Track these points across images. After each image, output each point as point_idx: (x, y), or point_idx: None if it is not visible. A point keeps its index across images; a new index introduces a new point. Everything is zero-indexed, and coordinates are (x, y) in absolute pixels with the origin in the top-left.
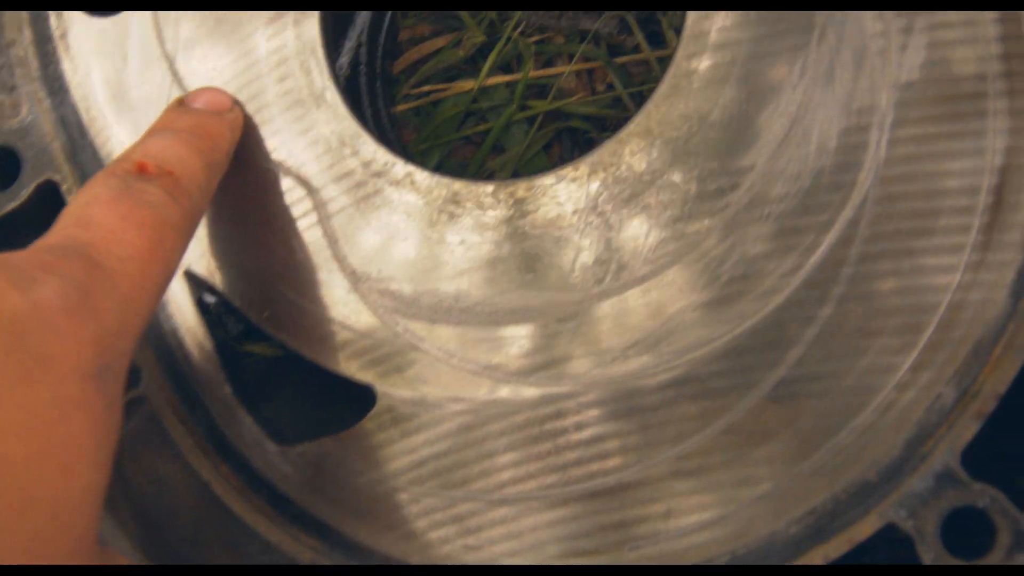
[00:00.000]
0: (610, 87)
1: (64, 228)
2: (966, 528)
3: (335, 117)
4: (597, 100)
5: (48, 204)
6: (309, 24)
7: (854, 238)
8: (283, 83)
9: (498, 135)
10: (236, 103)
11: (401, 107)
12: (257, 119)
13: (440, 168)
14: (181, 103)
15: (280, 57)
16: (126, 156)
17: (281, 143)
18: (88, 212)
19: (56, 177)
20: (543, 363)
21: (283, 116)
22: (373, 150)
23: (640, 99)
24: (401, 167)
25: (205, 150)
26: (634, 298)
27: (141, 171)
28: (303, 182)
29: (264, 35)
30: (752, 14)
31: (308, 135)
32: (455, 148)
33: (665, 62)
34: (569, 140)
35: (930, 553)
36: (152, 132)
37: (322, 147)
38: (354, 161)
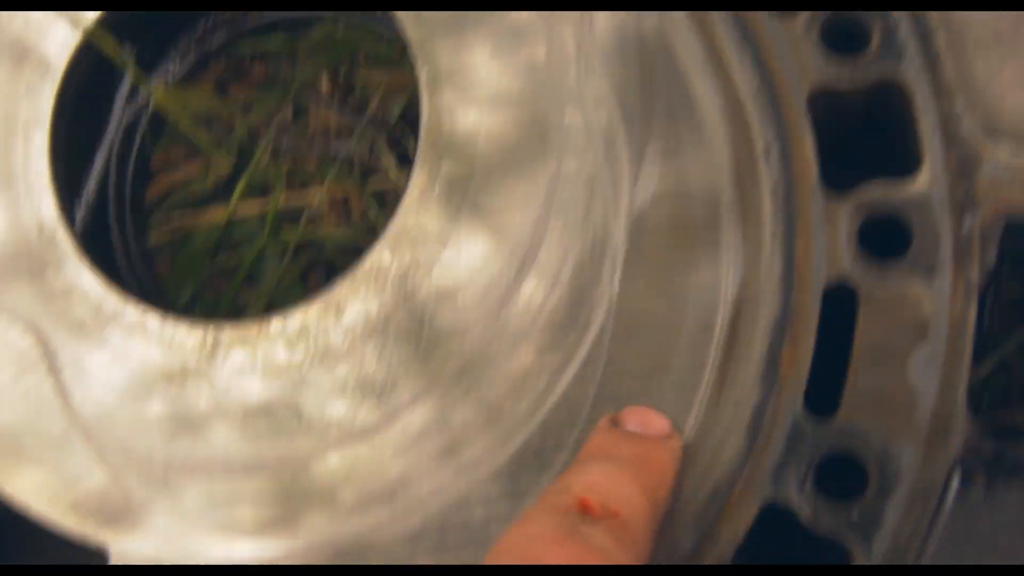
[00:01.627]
0: (365, 214)
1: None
2: None
3: (68, 261)
4: (352, 229)
5: None
6: (36, 159)
7: (591, 377)
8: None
9: (250, 268)
10: (672, 427)
11: (156, 239)
12: None
13: (194, 301)
14: (614, 422)
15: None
16: (566, 487)
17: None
18: (535, 549)
19: None
20: (279, 516)
21: (15, 263)
22: (104, 292)
23: None
24: (132, 312)
25: (650, 487)
26: (374, 444)
27: (584, 509)
28: (31, 325)
29: None
30: (482, 140)
31: (41, 280)
32: (210, 280)
33: None
34: (325, 271)
35: None
36: (590, 458)
37: (52, 289)
38: (83, 306)
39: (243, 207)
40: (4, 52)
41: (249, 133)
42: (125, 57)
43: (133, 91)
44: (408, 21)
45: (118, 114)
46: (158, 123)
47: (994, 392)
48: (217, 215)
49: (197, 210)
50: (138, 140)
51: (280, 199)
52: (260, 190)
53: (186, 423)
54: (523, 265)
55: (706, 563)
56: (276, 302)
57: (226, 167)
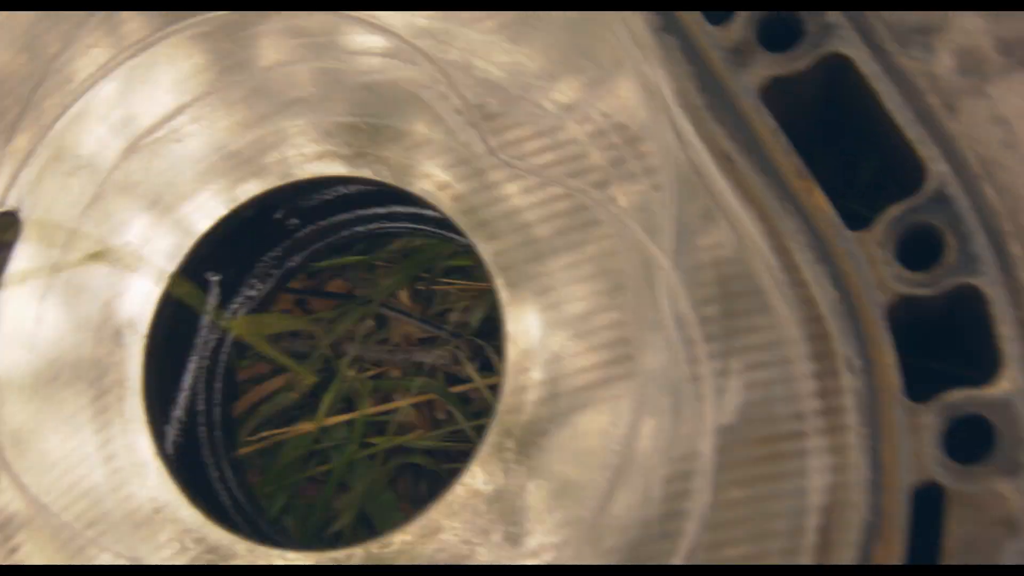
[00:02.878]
0: (449, 416)
1: None
2: None
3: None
4: (437, 434)
5: None
6: (126, 404)
7: None
8: (110, 464)
9: (341, 475)
10: None
11: (244, 450)
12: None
13: (286, 509)
14: None
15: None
16: None
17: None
18: None
19: None
20: None
21: (113, 496)
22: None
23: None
24: (241, 546)
25: None
26: None
27: None
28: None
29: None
30: (568, 363)
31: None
32: (300, 488)
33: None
34: (413, 474)
35: None
36: None
37: (154, 523)
38: (187, 537)
39: (331, 418)
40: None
41: (334, 346)
42: (203, 297)
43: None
44: (482, 247)
45: (203, 335)
46: (241, 342)
47: None
48: (305, 427)
49: (285, 423)
50: (223, 359)
51: (366, 408)
52: (346, 402)
53: None
54: (615, 479)
55: None
56: (368, 508)
57: (310, 380)
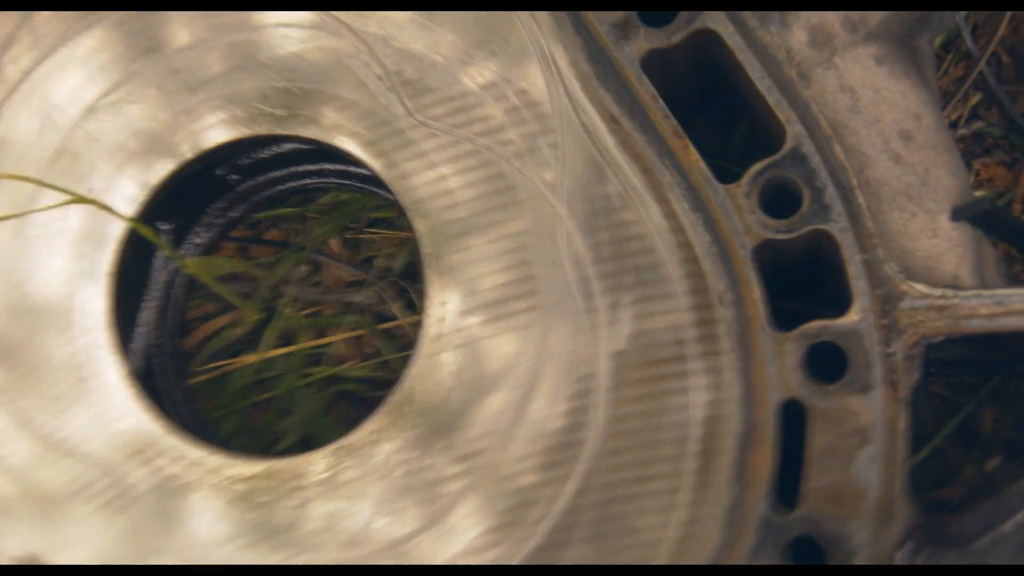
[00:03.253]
0: (378, 351)
1: None
2: None
3: (131, 411)
4: (367, 364)
5: None
6: (98, 333)
7: (588, 487)
8: (83, 385)
9: (284, 402)
10: None
11: (197, 379)
12: (55, 408)
13: (237, 432)
14: None
15: (73, 363)
16: None
17: (82, 434)
18: None
19: None
20: None
21: (86, 412)
22: (164, 435)
23: (403, 361)
24: (190, 451)
25: None
26: (412, 548)
27: None
28: (103, 468)
29: (63, 352)
30: (482, 295)
31: (109, 428)
32: (248, 413)
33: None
34: (348, 400)
35: None
36: None
37: (120, 435)
38: (149, 448)
39: (273, 351)
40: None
41: (273, 288)
42: (161, 236)
43: (168, 259)
44: (402, 194)
45: (156, 276)
46: (191, 283)
47: (932, 474)
48: (249, 359)
49: (232, 356)
50: (174, 297)
51: (304, 342)
52: (286, 337)
53: (245, 541)
54: (525, 397)
55: None
56: (308, 430)
57: (254, 317)
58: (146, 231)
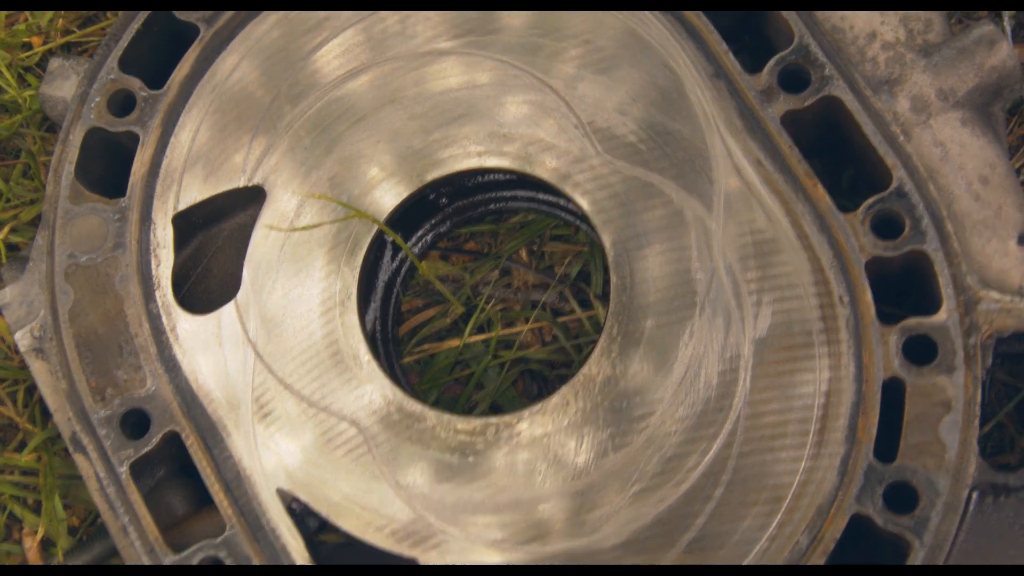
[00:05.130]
0: (555, 339)
1: None
2: None
3: (372, 377)
4: (547, 349)
5: (171, 448)
6: (350, 315)
7: (734, 442)
8: (335, 357)
9: (479, 377)
10: None
11: (407, 359)
12: (313, 374)
13: (438, 401)
14: None
15: (330, 340)
16: None
17: (335, 395)
18: None
19: (176, 428)
20: (532, 538)
21: (339, 378)
22: (402, 398)
23: (577, 348)
24: (424, 411)
25: None
26: (591, 489)
27: None
28: (355, 423)
29: (321, 331)
30: (654, 295)
31: (357, 390)
32: (448, 387)
33: (592, 320)
34: (529, 377)
35: None
36: None
37: (367, 400)
38: (390, 407)
39: (471, 337)
40: (342, 243)
41: (473, 288)
42: (403, 243)
43: (391, 259)
44: (593, 216)
45: (383, 274)
46: (405, 282)
47: (994, 443)
48: (452, 343)
49: (438, 340)
50: (395, 297)
51: (497, 331)
52: (481, 327)
53: (461, 480)
54: (685, 374)
55: (814, 558)
56: (498, 401)
57: (459, 310)
58: (397, 238)
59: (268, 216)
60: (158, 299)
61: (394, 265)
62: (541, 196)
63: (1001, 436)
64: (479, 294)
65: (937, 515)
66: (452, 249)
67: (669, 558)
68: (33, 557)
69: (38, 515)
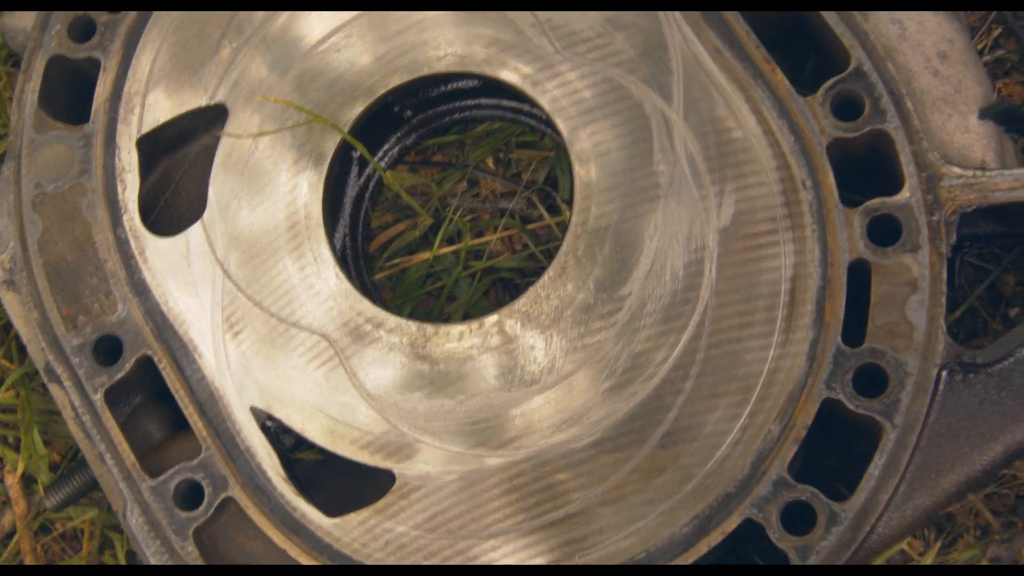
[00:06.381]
0: (525, 247)
1: None
2: (797, 515)
3: (342, 290)
4: (517, 256)
5: (145, 374)
6: (315, 231)
7: (702, 333)
8: (303, 272)
9: (450, 289)
10: None
11: (378, 275)
12: (281, 290)
13: (411, 315)
14: None
15: (298, 255)
16: None
17: (304, 309)
18: None
19: (149, 352)
20: (506, 441)
21: (305, 291)
22: (371, 308)
23: (548, 254)
24: (392, 319)
25: None
26: (563, 389)
27: None
28: (325, 336)
29: (288, 247)
30: (617, 191)
31: (326, 304)
32: (421, 301)
33: (561, 225)
34: (501, 286)
35: (775, 534)
36: None
37: (337, 313)
38: (359, 318)
39: (442, 249)
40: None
41: (441, 199)
42: (368, 154)
43: (358, 175)
44: (551, 113)
45: (350, 191)
46: (374, 197)
47: (967, 328)
48: (423, 256)
49: (409, 254)
50: (363, 213)
51: (467, 241)
52: (451, 239)
53: (433, 388)
54: (651, 268)
55: (786, 447)
56: (470, 311)
57: (428, 221)
58: (360, 146)
59: (231, 132)
60: (125, 223)
61: (361, 181)
62: (505, 103)
63: (974, 321)
64: (448, 205)
65: (907, 396)
66: (419, 163)
67: (643, 453)
68: (15, 494)
69: (18, 453)
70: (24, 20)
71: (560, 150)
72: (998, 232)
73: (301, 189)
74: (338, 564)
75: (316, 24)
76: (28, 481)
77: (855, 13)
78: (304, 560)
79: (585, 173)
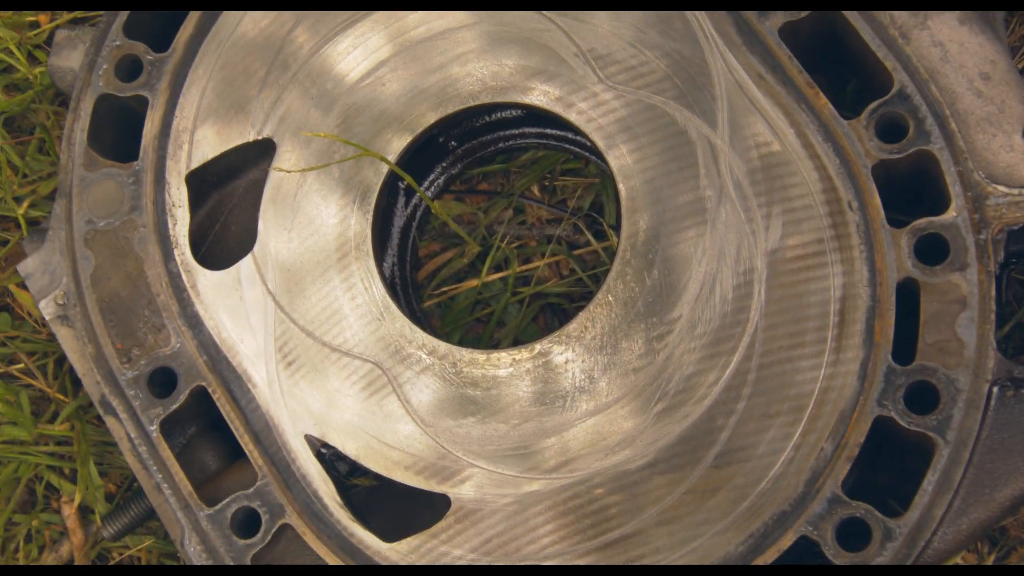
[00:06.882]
0: (572, 272)
1: None
2: (852, 532)
3: (392, 318)
4: (565, 282)
5: (200, 405)
6: (365, 261)
7: (752, 354)
8: (354, 301)
9: (499, 315)
10: None
11: (427, 303)
12: (333, 319)
13: (461, 342)
14: None
15: (348, 284)
16: None
17: (356, 338)
18: None
19: (203, 383)
20: (559, 464)
21: (356, 320)
22: (421, 335)
23: (595, 279)
24: (443, 346)
25: None
26: (615, 411)
27: None
28: (377, 364)
29: (338, 277)
30: (664, 216)
31: (377, 332)
32: (470, 327)
33: (608, 250)
34: (550, 312)
35: (831, 551)
36: None
37: (388, 341)
38: (410, 346)
39: (490, 276)
40: (354, 189)
41: (488, 227)
42: (415, 184)
43: (405, 206)
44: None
45: (397, 220)
46: (421, 227)
47: (1016, 344)
48: (472, 283)
49: (457, 282)
50: (411, 242)
51: (515, 268)
52: (498, 266)
53: (485, 413)
54: (700, 290)
55: (839, 465)
56: (520, 336)
57: (475, 249)
58: (407, 176)
59: (279, 167)
60: (177, 258)
61: (408, 211)
62: (549, 131)
63: (1022, 336)
64: (494, 233)
65: (960, 412)
66: (465, 191)
67: (696, 474)
68: (72, 524)
69: (75, 484)
70: (71, 60)
71: (606, 177)
72: None
73: (350, 220)
74: None
75: (360, 59)
76: (85, 512)
77: (896, 35)
78: None
79: (631, 198)
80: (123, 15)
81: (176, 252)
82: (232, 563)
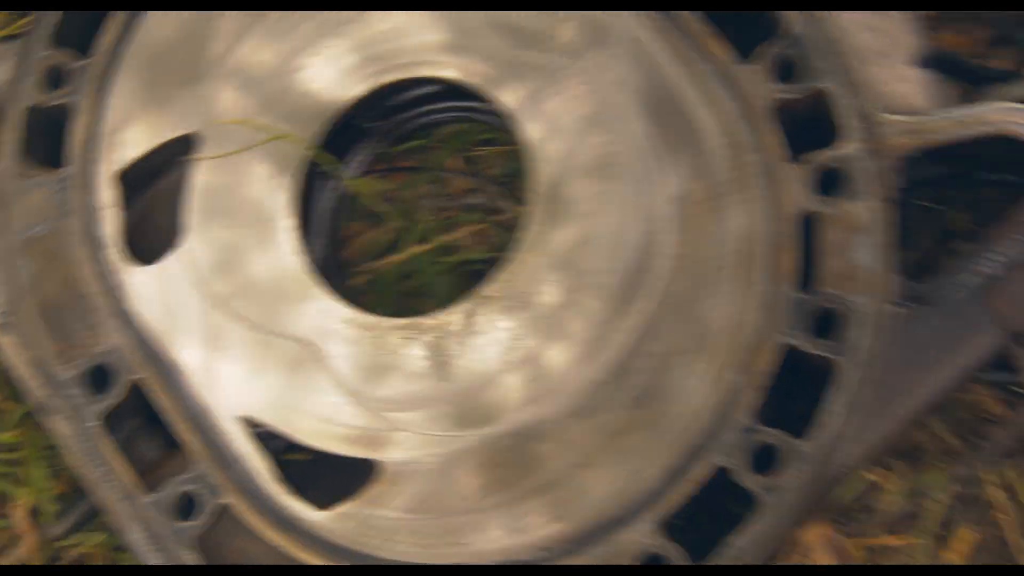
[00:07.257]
0: (494, 237)
1: None
2: (766, 459)
3: (319, 296)
4: (487, 248)
5: (139, 398)
6: (290, 243)
7: (663, 298)
8: (280, 283)
9: (425, 286)
10: None
11: (355, 280)
12: (261, 302)
13: (388, 315)
14: None
15: (274, 266)
16: None
17: (286, 319)
18: None
19: (138, 377)
20: (484, 419)
21: (284, 302)
22: (349, 311)
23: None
24: (370, 319)
25: None
26: (537, 364)
27: None
28: (305, 341)
29: (264, 260)
30: (570, 175)
31: (304, 311)
32: (398, 301)
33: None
34: (475, 278)
35: (743, 476)
36: None
37: (315, 318)
38: (338, 323)
39: (414, 249)
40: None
41: (410, 203)
42: (336, 165)
43: (329, 187)
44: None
45: (323, 202)
46: (348, 206)
47: (920, 267)
48: (397, 257)
49: (382, 258)
50: (335, 219)
51: (438, 238)
52: (422, 238)
53: (411, 379)
54: (610, 240)
55: (748, 390)
56: (449, 303)
57: (398, 224)
58: (326, 158)
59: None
60: (107, 257)
61: (331, 192)
62: (464, 104)
63: (927, 260)
64: (417, 207)
65: (862, 334)
66: (387, 170)
67: (616, 416)
68: (23, 527)
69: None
70: (2, 73)
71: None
72: (949, 174)
73: (274, 204)
74: (334, 556)
75: (278, 48)
76: (36, 514)
77: None
78: (301, 555)
79: (536, 156)
80: (48, 24)
81: (106, 252)
82: (175, 546)
